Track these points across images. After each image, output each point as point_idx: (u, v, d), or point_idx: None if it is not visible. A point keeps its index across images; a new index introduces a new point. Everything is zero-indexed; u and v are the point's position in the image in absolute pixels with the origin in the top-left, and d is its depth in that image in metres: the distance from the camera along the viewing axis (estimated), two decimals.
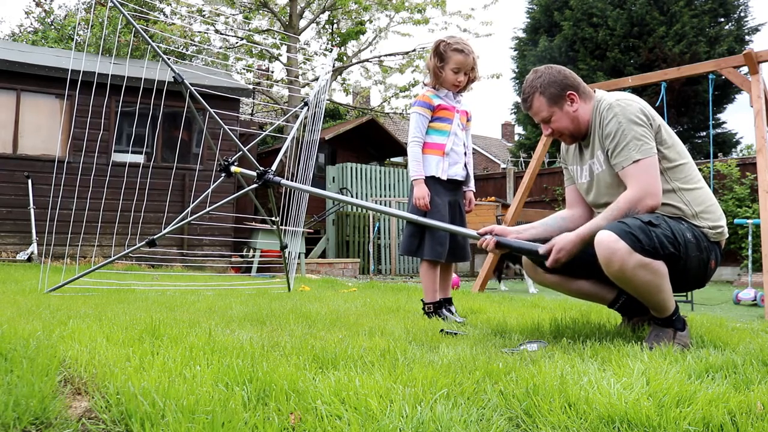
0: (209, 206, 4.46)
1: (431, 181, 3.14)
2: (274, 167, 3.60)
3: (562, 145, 2.58)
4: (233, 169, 3.57)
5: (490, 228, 2.38)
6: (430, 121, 3.18)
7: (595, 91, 2.40)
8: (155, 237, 4.11)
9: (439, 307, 3.18)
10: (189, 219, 4.44)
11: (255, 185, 3.45)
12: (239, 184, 10.42)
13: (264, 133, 5.75)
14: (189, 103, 4.06)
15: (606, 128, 2.23)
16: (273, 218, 4.68)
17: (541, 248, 2.23)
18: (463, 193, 3.33)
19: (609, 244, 2.03)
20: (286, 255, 5.12)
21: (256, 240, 9.12)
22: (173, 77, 3.91)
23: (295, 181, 4.90)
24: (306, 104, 4.97)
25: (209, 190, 4.93)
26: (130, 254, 4.31)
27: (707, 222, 2.22)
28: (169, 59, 4.05)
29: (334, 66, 14.18)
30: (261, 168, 3.33)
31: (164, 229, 4.21)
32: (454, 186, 3.23)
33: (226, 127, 4.25)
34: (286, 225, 5.44)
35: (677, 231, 2.11)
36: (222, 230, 9.29)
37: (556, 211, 2.70)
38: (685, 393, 1.41)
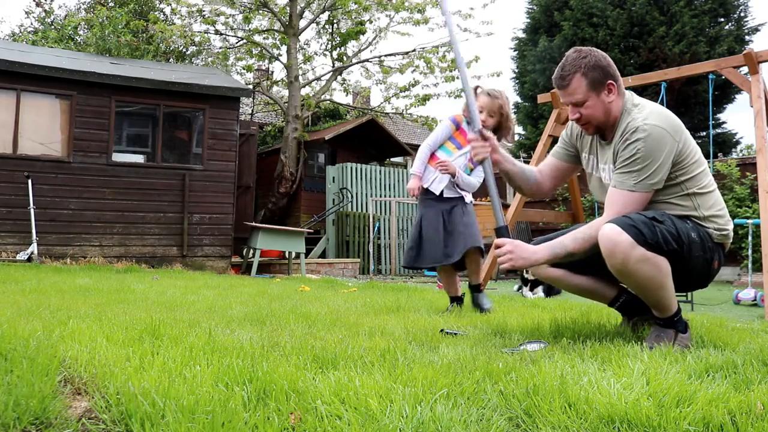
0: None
1: (425, 193, 3.50)
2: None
3: (575, 126, 2.47)
4: None
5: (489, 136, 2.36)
6: (448, 138, 3.49)
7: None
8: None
9: (452, 301, 3.61)
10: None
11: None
12: (239, 183, 10.41)
13: None
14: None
15: (626, 149, 2.16)
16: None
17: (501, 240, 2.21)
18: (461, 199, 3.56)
19: (612, 236, 2.02)
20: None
21: (256, 240, 9.12)
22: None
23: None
24: None
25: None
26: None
27: (714, 225, 2.22)
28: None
29: (333, 66, 14.19)
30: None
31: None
32: (447, 200, 3.51)
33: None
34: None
35: (681, 229, 2.11)
36: (222, 230, 9.29)
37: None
38: (685, 393, 1.41)
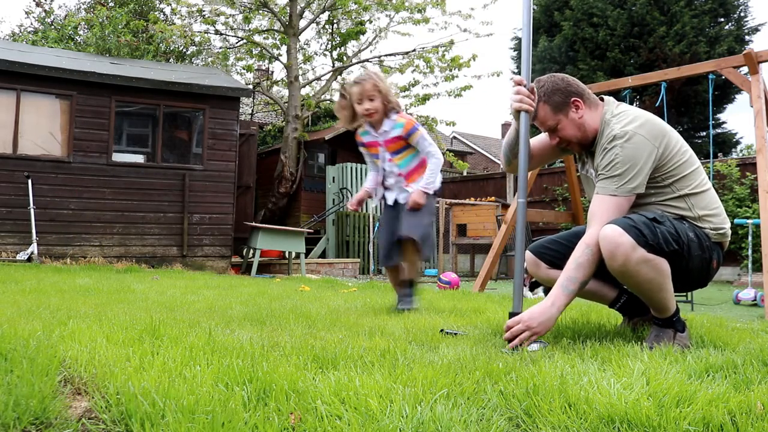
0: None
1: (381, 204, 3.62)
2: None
3: None
4: None
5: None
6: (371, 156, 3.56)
7: (602, 98, 2.35)
8: None
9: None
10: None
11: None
12: (239, 183, 10.41)
13: None
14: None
15: (605, 157, 2.20)
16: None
17: (523, 315, 2.11)
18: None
19: (614, 238, 2.02)
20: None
21: (256, 240, 9.12)
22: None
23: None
24: None
25: None
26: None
27: (710, 224, 2.22)
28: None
29: (333, 66, 14.18)
30: None
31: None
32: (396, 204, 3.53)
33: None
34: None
35: (680, 230, 2.12)
36: (222, 230, 9.29)
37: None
38: (685, 393, 1.41)
